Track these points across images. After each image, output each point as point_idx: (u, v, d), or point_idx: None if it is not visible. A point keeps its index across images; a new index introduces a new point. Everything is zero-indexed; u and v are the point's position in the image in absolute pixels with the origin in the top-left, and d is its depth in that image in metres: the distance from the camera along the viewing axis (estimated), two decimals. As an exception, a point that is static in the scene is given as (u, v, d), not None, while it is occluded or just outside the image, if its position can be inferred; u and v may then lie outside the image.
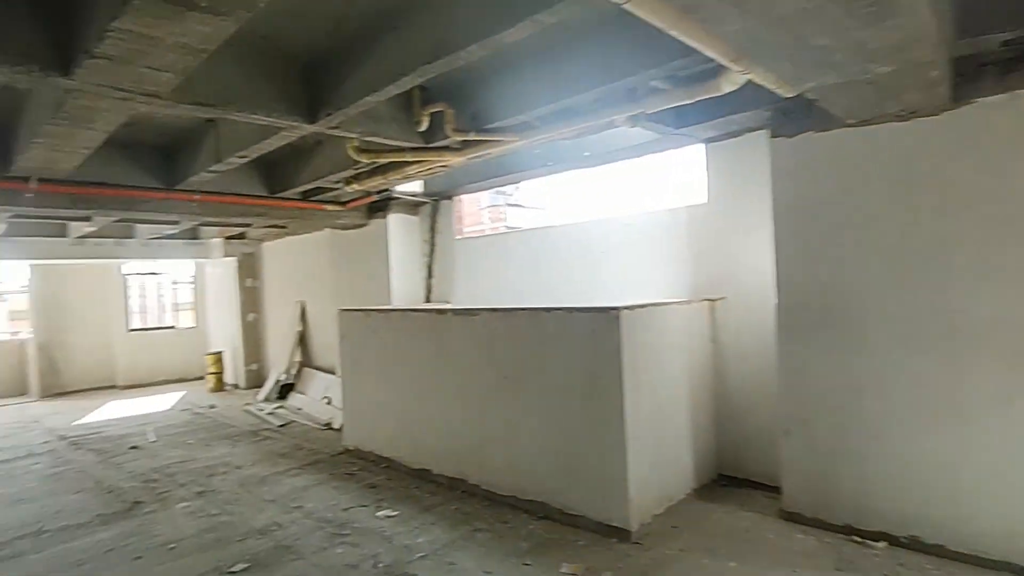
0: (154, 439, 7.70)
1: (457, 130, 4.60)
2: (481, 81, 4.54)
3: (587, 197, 11.99)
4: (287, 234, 10.86)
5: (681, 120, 4.91)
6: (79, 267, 12.12)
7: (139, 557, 4.22)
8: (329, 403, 8.65)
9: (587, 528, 4.37)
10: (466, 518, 4.70)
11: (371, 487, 5.52)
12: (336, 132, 4.54)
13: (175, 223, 9.12)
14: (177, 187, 6.29)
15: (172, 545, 4.39)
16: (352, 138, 4.96)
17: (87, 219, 8.18)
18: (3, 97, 4.51)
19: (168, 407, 10.03)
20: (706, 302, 5.32)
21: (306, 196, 7.57)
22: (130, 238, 10.83)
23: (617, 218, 6.19)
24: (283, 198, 7.17)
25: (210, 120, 5.34)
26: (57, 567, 4.12)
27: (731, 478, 5.22)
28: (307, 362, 10.47)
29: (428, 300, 8.17)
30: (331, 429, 7.81)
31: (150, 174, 6.22)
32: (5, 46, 2.98)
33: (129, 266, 12.76)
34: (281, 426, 8.17)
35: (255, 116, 4.05)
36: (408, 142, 4.98)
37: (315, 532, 4.52)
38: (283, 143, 4.81)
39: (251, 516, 4.90)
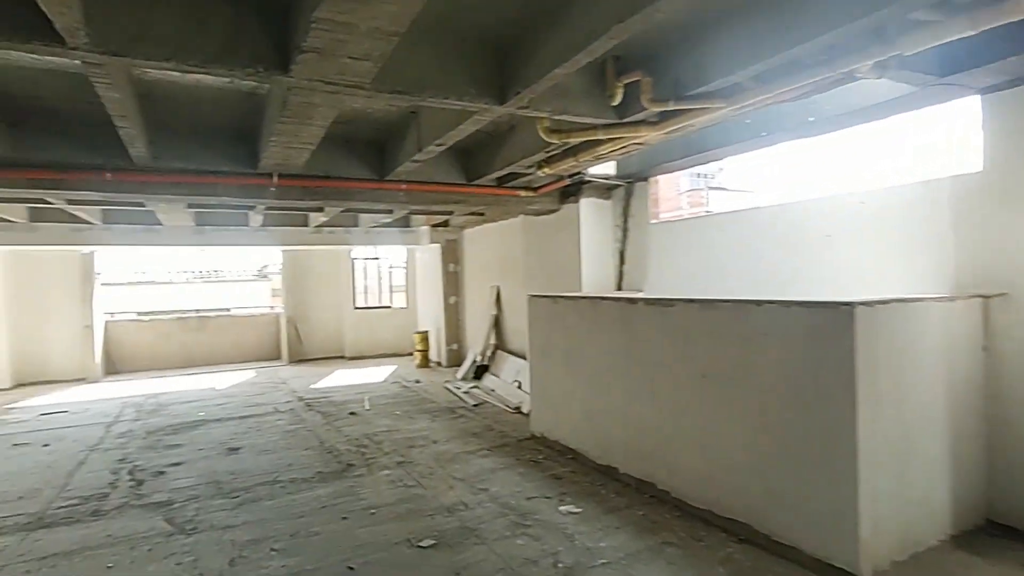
0: (368, 408, 8.56)
1: (655, 100, 4.14)
2: (682, 40, 4.02)
3: (805, 172, 10.46)
4: (485, 221, 11.30)
5: (949, 64, 3.83)
6: (317, 252, 14.05)
7: (345, 517, 4.60)
8: (519, 387, 8.79)
9: (800, 563, 3.68)
10: (654, 527, 4.29)
11: (555, 478, 5.39)
12: (526, 112, 4.39)
13: (388, 212, 10.01)
14: (387, 178, 6.78)
15: (373, 510, 4.72)
16: (542, 117, 4.79)
17: (320, 209, 9.33)
18: (251, 104, 5.19)
19: (381, 379, 11.14)
20: (977, 299, 4.15)
21: (500, 182, 7.68)
22: (355, 227, 12.22)
23: (845, 195, 5.16)
24: (479, 185, 7.36)
25: (412, 111, 5.61)
26: (283, 515, 4.68)
27: (1007, 528, 4.03)
28: (501, 345, 10.82)
29: (619, 288, 7.80)
30: (520, 413, 7.90)
31: (365, 166, 6.79)
32: (239, 50, 3.32)
33: (356, 251, 14.47)
34: (475, 406, 8.51)
35: (448, 101, 4.06)
36: (600, 118, 4.65)
37: (498, 518, 4.50)
38: (475, 128, 4.81)
39: (441, 492, 5.07)
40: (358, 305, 14.45)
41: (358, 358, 14.05)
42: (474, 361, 10.77)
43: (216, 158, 6.06)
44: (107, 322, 12.83)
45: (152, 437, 7.20)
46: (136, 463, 6.14)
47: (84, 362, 11.76)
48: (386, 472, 5.65)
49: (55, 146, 5.43)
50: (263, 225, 11.26)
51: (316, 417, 8.05)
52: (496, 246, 11.13)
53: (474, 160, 7.19)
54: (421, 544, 4.09)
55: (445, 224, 12.28)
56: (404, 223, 12.73)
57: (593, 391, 5.74)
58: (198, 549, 4.13)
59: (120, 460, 6.27)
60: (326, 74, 3.39)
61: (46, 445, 6.95)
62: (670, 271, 6.99)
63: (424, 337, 12.65)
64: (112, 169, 5.65)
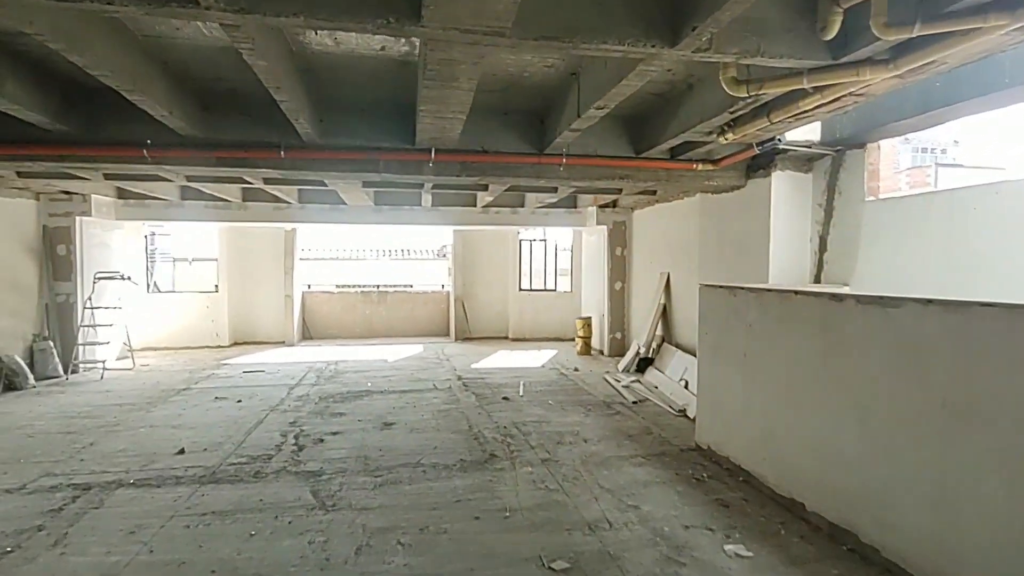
0: (522, 394, 8.26)
1: (891, 25, 3.03)
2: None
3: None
4: (656, 201, 10.32)
5: None
6: (486, 233, 14.19)
7: (478, 517, 4.25)
8: (686, 387, 7.83)
9: None
10: (856, 597, 3.27)
11: (722, 505, 4.50)
12: (706, 56, 3.53)
13: (552, 191, 9.55)
14: (546, 151, 6.27)
15: (507, 513, 4.31)
16: (727, 64, 3.87)
17: (483, 188, 9.19)
18: (405, 76, 5.00)
19: (540, 364, 10.84)
20: None
21: (673, 154, 6.76)
22: (521, 207, 12.01)
23: None
24: (648, 158, 6.53)
25: (573, 73, 5.00)
26: (417, 505, 4.47)
27: None
28: (668, 338, 9.85)
29: (817, 280, 6.44)
30: (685, 417, 6.99)
31: (523, 139, 6.35)
32: (367, 0, 2.99)
33: (523, 233, 14.35)
34: (634, 403, 7.76)
35: (606, 46, 3.37)
36: (807, 59, 3.61)
37: (646, 547, 3.80)
38: (641, 82, 4.06)
39: (584, 502, 4.50)
40: (523, 287, 14.34)
41: (520, 340, 13.98)
42: (637, 353, 9.95)
43: (377, 134, 6.05)
44: (304, 292, 14.30)
45: (322, 403, 7.65)
46: (303, 428, 6.49)
47: (284, 328, 13.21)
48: (528, 470, 5.22)
49: (238, 126, 5.80)
50: (433, 205, 11.55)
51: (470, 398, 7.95)
52: (668, 228, 10.11)
53: (643, 129, 6.37)
54: (553, 566, 3.55)
55: (613, 204, 11.51)
56: (570, 203, 12.23)
57: (776, 405, 4.69)
58: (331, 529, 4.05)
59: (291, 423, 6.68)
60: (460, 19, 2.93)
61: (239, 401, 7.73)
62: (889, 262, 5.53)
63: (587, 323, 12.09)
64: (286, 147, 5.89)
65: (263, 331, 13.44)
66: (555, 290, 14.62)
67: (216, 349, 12.59)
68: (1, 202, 8.82)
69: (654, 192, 9.49)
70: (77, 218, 9.76)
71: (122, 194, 10.57)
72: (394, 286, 16.34)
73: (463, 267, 14.23)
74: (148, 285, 12.58)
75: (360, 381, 9.10)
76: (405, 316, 14.78)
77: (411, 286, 16.96)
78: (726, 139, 5.35)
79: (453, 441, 6.06)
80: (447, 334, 14.66)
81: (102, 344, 9.92)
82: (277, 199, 10.83)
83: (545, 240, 15.03)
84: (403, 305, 14.79)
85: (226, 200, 10.70)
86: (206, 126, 5.73)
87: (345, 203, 11.08)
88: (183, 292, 13.38)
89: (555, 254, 14.84)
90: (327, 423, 6.71)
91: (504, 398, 7.98)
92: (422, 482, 4.92)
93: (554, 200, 10.68)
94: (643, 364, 9.67)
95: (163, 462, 5.36)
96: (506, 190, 9.10)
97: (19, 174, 7.63)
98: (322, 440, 6.07)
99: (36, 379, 9.14)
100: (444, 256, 23.23)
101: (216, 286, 13.00)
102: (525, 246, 14.47)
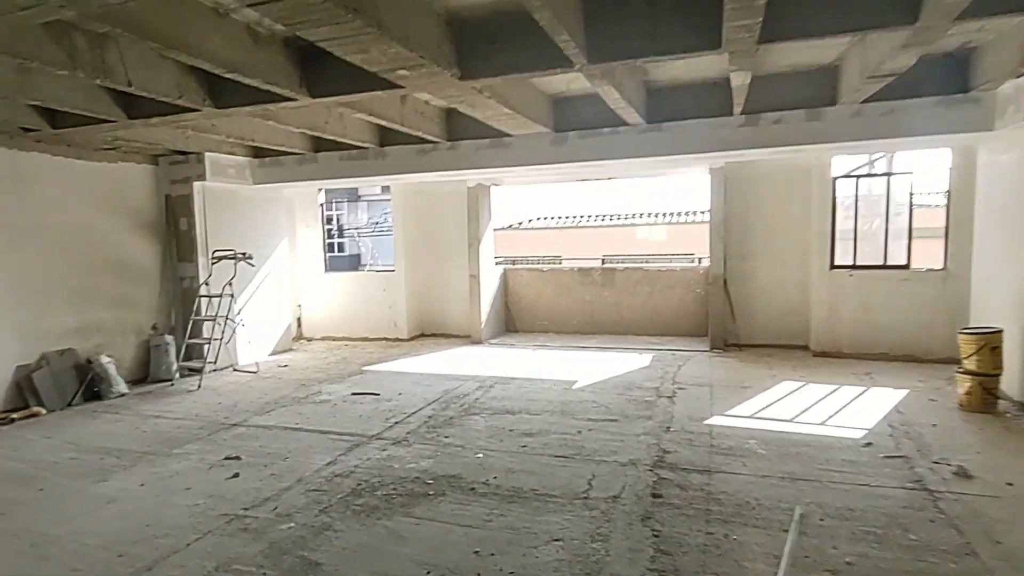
0: (802, 528, 3.00)
1: None
2: None
3: None
4: None
5: None
6: (761, 167, 8.40)
7: None
8: None
9: None
10: None
11: None
12: None
13: (909, 48, 3.69)
14: None
15: None
16: None
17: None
18: None
19: (863, 431, 5.02)
20: None
21: None
22: (830, 106, 6.07)
23: None
24: None
25: None
26: None
27: None
28: None
29: None
30: None
31: None
32: None
33: (839, 164, 8.05)
34: None
35: None
36: None
37: None
38: None
39: None
40: (839, 262, 8.09)
41: (830, 355, 7.90)
42: None
43: None
44: (507, 270, 10.76)
45: (324, 516, 3.80)
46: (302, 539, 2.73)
47: (471, 318, 9.90)
48: None
49: None
50: (650, 123, 6.52)
51: (641, 552, 3.10)
52: None
53: None
54: None
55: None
56: (959, 84, 5.69)
57: None
58: None
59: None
60: None
61: (235, 475, 4.43)
62: None
63: (989, 342, 5.55)
64: None
65: (451, 321, 10.39)
66: (907, 267, 7.89)
67: (393, 343, 10.01)
68: (103, 168, 7.29)
69: None
70: (203, 184, 7.88)
71: (258, 152, 8.45)
72: (627, 260, 11.59)
73: (727, 227, 8.71)
74: (325, 264, 10.65)
75: (474, 439, 4.99)
76: (640, 304, 9.98)
77: (646, 262, 11.93)
78: None
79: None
80: (703, 334, 9.40)
81: (228, 340, 7.98)
82: (422, 140, 7.32)
83: (888, 174, 8.36)
84: (638, 288, 9.99)
85: (359, 146, 7.65)
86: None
87: (509, 135, 6.91)
88: (364, 271, 11.22)
89: (909, 201, 8.01)
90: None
91: (785, 529, 2.89)
92: None
93: (908, 63, 4.60)
94: None
95: None
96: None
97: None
98: None
99: (150, 380, 7.58)
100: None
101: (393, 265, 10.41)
102: (843, 187, 8.13)
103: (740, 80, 4.91)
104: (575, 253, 15.64)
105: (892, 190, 8.05)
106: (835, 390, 6.33)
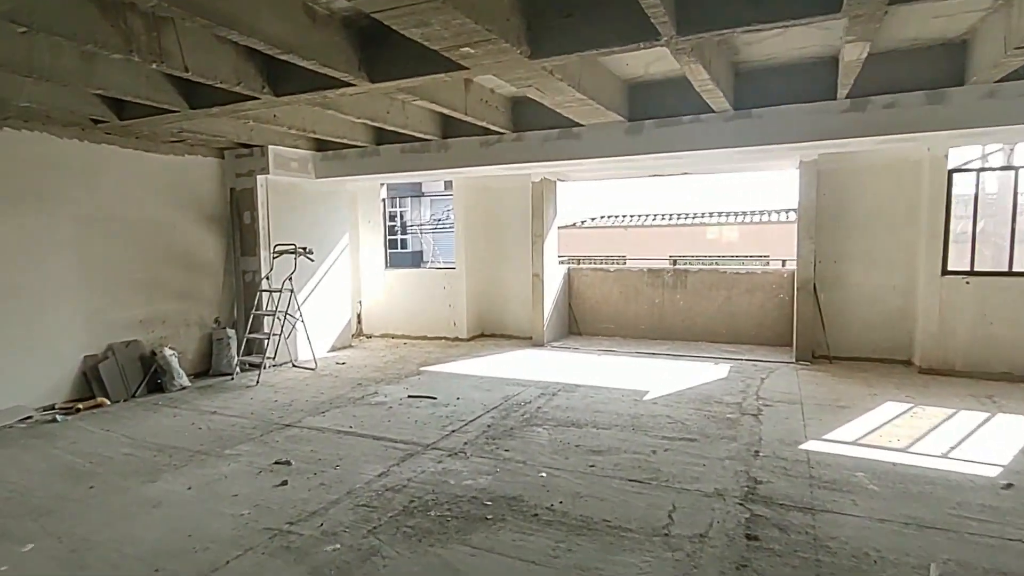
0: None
1: None
2: None
3: None
4: None
5: None
6: (861, 159, 7.53)
7: None
8: None
9: None
10: None
11: None
12: None
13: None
14: None
15: None
16: None
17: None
18: None
19: (996, 466, 4.24)
20: None
21: None
22: (956, 86, 5.25)
23: None
24: None
25: None
26: None
27: None
28: None
29: None
30: None
31: None
32: None
33: (959, 154, 7.09)
34: None
35: None
36: None
37: None
38: None
39: None
40: (953, 268, 7.12)
41: (937, 373, 6.95)
42: None
43: None
44: (571, 270, 10.25)
45: (341, 550, 3.45)
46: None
47: (533, 320, 9.46)
48: None
49: None
50: (737, 109, 5.86)
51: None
52: None
53: None
54: None
55: None
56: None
57: None
58: None
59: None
60: None
61: (283, 483, 4.18)
62: None
63: None
64: None
65: (512, 321, 10.00)
66: (1037, 273, 6.86)
67: (452, 343, 9.72)
68: (170, 161, 7.31)
69: None
70: (266, 177, 7.82)
71: (320, 146, 8.32)
72: (694, 261, 10.82)
73: (820, 225, 7.87)
74: (386, 260, 10.47)
75: (537, 454, 4.53)
76: (715, 309, 9.25)
77: (716, 263, 11.10)
78: None
79: None
80: (785, 343, 8.59)
81: (288, 335, 7.88)
82: (486, 131, 6.95)
83: (1008, 167, 7.32)
84: (713, 292, 9.26)
85: (421, 138, 7.36)
86: None
87: (579, 125, 6.42)
88: (425, 268, 10.97)
89: (1040, 197, 6.99)
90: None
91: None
92: None
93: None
94: None
95: None
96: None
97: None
98: None
99: (212, 374, 7.58)
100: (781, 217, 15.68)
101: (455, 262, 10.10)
102: (960, 182, 7.14)
103: (855, 54, 4.22)
104: (640, 253, 14.88)
105: (1020, 185, 7.00)
106: (952, 415, 5.49)
